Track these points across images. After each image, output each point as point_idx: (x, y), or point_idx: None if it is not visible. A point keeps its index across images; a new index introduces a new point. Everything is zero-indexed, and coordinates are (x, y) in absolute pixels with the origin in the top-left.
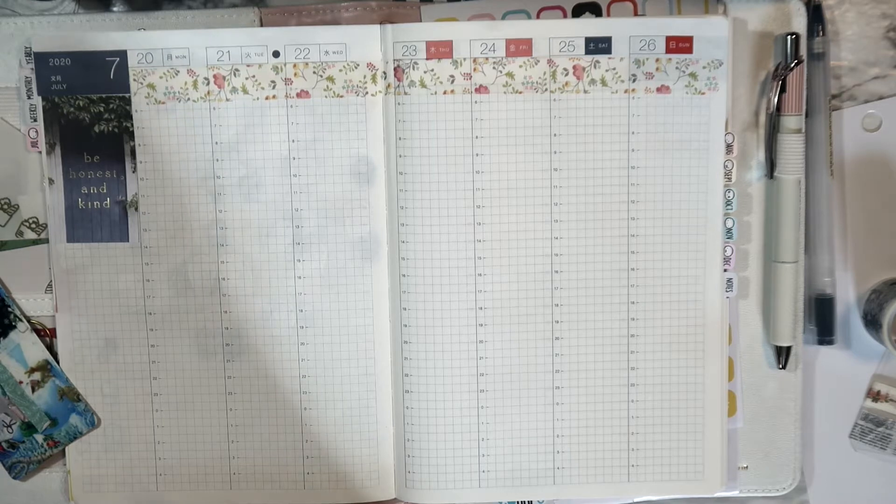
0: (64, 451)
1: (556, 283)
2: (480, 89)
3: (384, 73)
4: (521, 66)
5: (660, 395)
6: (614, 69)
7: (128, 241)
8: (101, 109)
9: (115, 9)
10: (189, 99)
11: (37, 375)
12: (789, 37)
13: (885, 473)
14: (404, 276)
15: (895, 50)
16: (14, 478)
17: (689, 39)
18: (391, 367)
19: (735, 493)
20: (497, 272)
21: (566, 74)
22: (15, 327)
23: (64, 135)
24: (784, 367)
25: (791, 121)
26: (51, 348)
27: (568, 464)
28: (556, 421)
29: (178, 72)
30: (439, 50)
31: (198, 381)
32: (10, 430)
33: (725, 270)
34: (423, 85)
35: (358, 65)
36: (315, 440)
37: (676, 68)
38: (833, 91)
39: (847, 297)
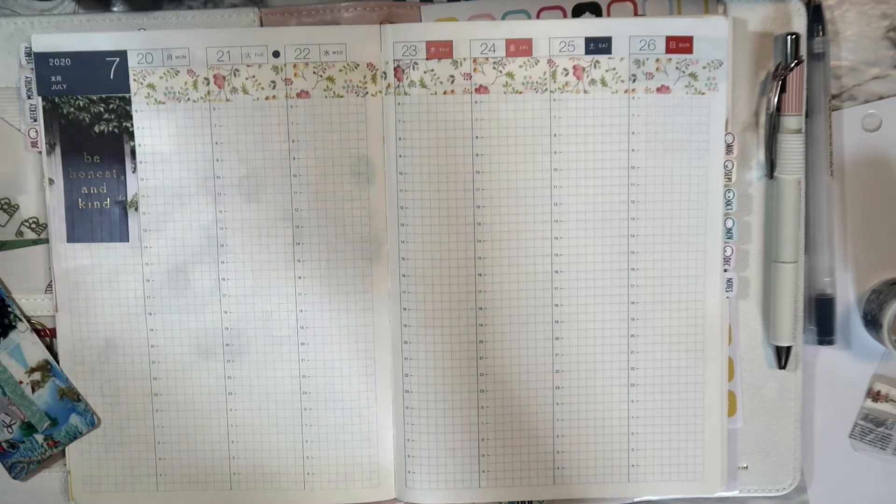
0: (64, 451)
1: (556, 283)
2: (480, 89)
3: (384, 73)
4: (521, 66)
5: (660, 396)
6: (614, 69)
7: (128, 241)
8: (101, 109)
9: (115, 9)
10: (189, 99)
11: (37, 375)
12: (789, 37)
13: (885, 473)
14: (404, 276)
15: (895, 50)
16: (14, 478)
17: (689, 39)
18: (391, 367)
19: (735, 493)
20: (497, 272)
21: (566, 74)
22: (15, 327)
23: (64, 135)
24: (784, 367)
25: (791, 121)
26: (51, 348)
27: (568, 464)
28: (556, 421)
29: (178, 72)
30: (439, 50)
31: (198, 381)
32: (10, 430)
33: (725, 270)
34: (423, 85)
35: (358, 65)
36: (315, 440)
37: (676, 68)
38: (833, 91)
39: (847, 297)
